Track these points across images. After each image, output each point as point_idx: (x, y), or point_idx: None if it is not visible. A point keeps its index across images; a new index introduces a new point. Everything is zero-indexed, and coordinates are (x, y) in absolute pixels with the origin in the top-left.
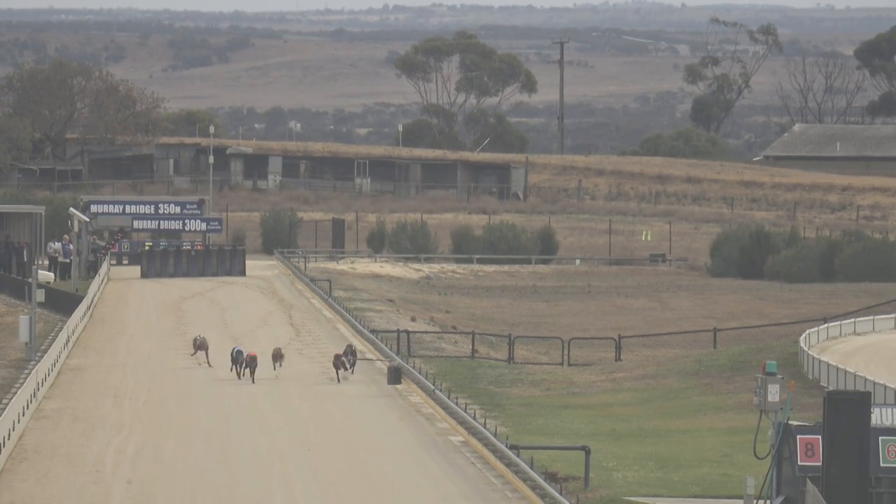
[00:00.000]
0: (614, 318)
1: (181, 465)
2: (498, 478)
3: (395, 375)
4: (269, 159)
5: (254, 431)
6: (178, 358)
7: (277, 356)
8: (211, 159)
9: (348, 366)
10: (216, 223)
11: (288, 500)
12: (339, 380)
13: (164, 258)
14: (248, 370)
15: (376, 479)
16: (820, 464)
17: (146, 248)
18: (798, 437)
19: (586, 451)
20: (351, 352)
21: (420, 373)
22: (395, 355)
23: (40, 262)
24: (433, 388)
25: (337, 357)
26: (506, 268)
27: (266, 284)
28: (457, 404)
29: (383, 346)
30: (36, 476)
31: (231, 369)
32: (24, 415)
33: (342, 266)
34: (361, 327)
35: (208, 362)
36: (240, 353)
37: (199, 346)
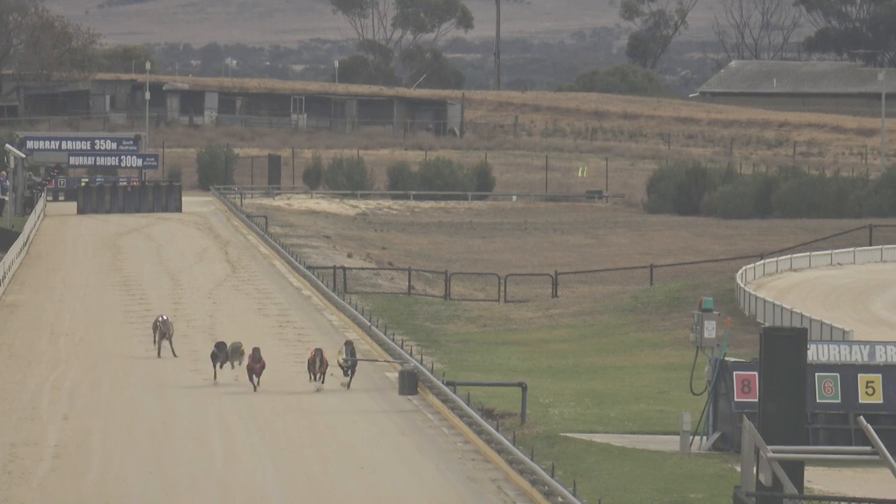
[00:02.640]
0: (551, 254)
1: (117, 401)
2: (434, 414)
3: (408, 382)
4: (205, 95)
5: (189, 366)
6: (114, 294)
7: (236, 352)
8: (147, 95)
9: (316, 374)
10: (152, 159)
11: (225, 433)
12: (314, 382)
13: (101, 194)
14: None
15: (310, 414)
16: (756, 400)
17: (82, 184)
18: (734, 373)
19: (523, 387)
20: (349, 351)
21: (356, 309)
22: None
23: None
24: (369, 324)
25: (311, 358)
26: (442, 204)
27: (202, 220)
28: (393, 341)
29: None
30: None
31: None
32: None
33: (278, 202)
34: (298, 263)
35: (173, 351)
36: (221, 347)
37: (162, 332)
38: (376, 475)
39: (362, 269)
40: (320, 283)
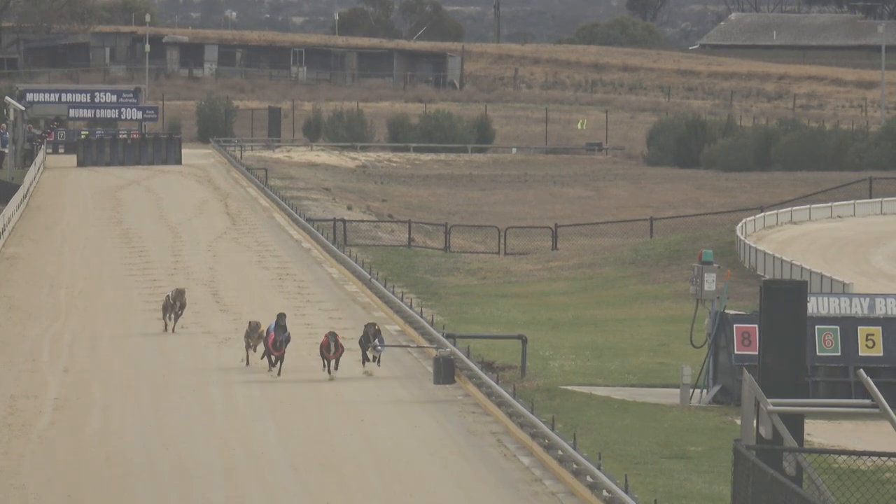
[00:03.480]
0: (550, 206)
1: (117, 354)
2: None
3: (445, 371)
4: (204, 48)
5: (191, 319)
6: (114, 246)
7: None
8: (147, 48)
9: (330, 362)
10: (152, 112)
11: (224, 388)
12: (329, 372)
13: (100, 147)
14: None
15: (314, 371)
16: (756, 353)
17: (82, 136)
18: (734, 326)
19: (523, 340)
20: (372, 333)
21: (356, 261)
22: (443, 336)
23: None
24: (369, 276)
25: (324, 343)
26: (442, 156)
27: (202, 173)
28: (393, 293)
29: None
30: None
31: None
32: None
33: (278, 155)
34: (297, 216)
35: (179, 324)
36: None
37: (173, 305)
38: (375, 428)
39: (362, 221)
40: (320, 235)
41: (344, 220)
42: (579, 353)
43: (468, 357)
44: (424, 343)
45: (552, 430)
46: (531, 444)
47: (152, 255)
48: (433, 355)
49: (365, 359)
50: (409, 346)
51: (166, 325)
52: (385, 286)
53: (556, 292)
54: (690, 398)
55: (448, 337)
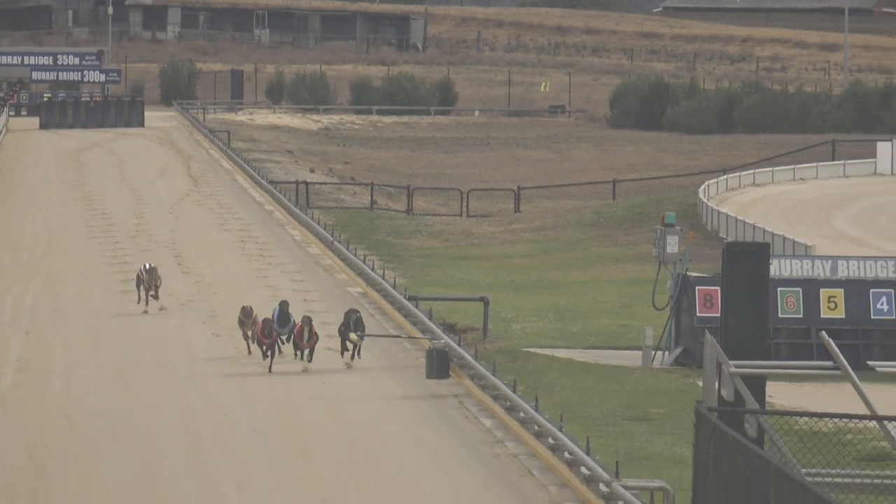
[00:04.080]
0: (513, 169)
1: (80, 317)
2: (397, 329)
3: (439, 364)
4: (167, 10)
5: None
6: (77, 209)
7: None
8: (110, 10)
9: (303, 351)
10: (115, 74)
11: (188, 354)
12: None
13: (63, 109)
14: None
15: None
16: (718, 315)
17: (45, 99)
18: (697, 288)
19: (485, 302)
20: (354, 321)
21: (318, 224)
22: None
23: None
24: (332, 239)
25: (297, 329)
26: (405, 119)
27: (165, 136)
28: (355, 255)
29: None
30: None
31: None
32: None
33: (241, 117)
34: (260, 178)
35: (157, 302)
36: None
37: (147, 283)
38: (338, 390)
39: (325, 183)
40: (283, 197)
41: (306, 183)
42: (541, 315)
43: (430, 319)
44: (417, 334)
45: (514, 392)
46: (493, 405)
47: (115, 217)
48: (426, 347)
49: (344, 349)
50: (399, 337)
51: (139, 298)
52: (347, 248)
53: (519, 254)
54: (652, 360)
55: (410, 299)
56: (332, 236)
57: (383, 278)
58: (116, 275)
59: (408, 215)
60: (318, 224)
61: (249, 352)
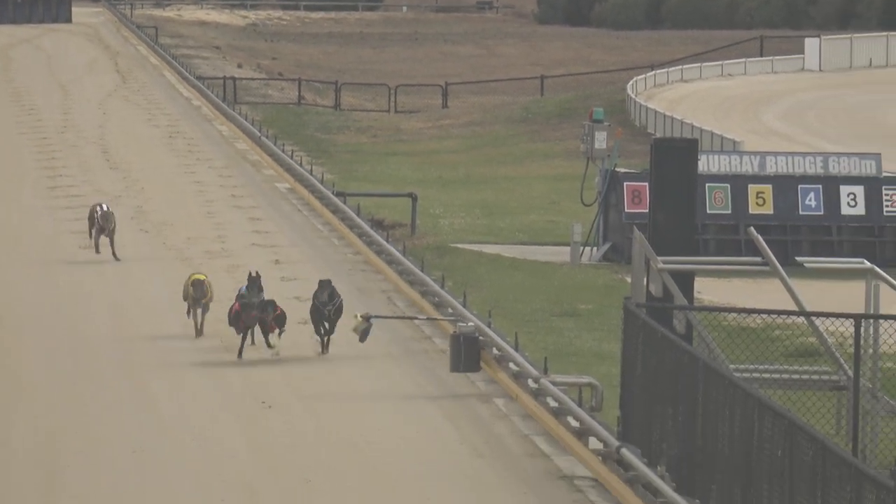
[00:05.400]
0: (441, 64)
1: (3, 208)
2: (325, 225)
3: (467, 356)
4: None
5: (80, 177)
6: (5, 105)
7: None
8: None
9: (267, 336)
10: None
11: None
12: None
13: None
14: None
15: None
16: (647, 211)
17: None
18: (625, 184)
19: (413, 197)
20: (327, 297)
21: (246, 119)
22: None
23: None
24: (259, 134)
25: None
26: (332, 14)
27: (92, 31)
28: (283, 151)
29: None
30: None
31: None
32: None
33: (168, 13)
34: (188, 74)
35: (114, 252)
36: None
37: (101, 227)
38: (326, 385)
39: (252, 79)
40: (210, 93)
41: (234, 78)
42: (469, 211)
43: (358, 215)
44: (435, 314)
45: (442, 288)
46: (421, 301)
47: (43, 113)
48: (450, 332)
49: (319, 332)
50: (415, 318)
51: (92, 238)
52: (275, 144)
53: (447, 150)
54: (581, 256)
55: (338, 195)
56: (259, 132)
57: (311, 174)
58: (45, 171)
59: (335, 111)
60: (246, 120)
61: (199, 333)
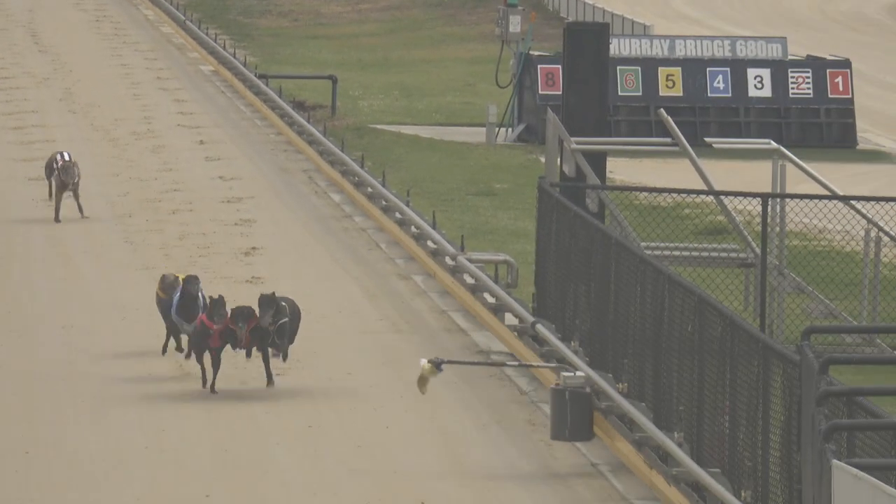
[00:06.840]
0: None
1: None
2: (247, 106)
3: (574, 418)
4: None
5: (10, 60)
6: None
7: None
8: None
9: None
10: None
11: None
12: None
13: None
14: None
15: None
16: (560, 93)
17: None
18: (539, 66)
19: (333, 80)
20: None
21: (171, 3)
22: (255, 77)
23: None
24: (184, 18)
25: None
26: None
27: None
28: (206, 35)
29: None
30: None
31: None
32: None
33: None
34: None
35: (80, 208)
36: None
37: (62, 182)
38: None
39: None
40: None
41: None
42: (388, 93)
43: (280, 97)
44: (532, 359)
45: (362, 167)
46: (341, 180)
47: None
48: (551, 385)
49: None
50: (504, 365)
51: (50, 193)
52: (199, 28)
53: (366, 34)
54: (496, 137)
55: (260, 77)
56: (184, 16)
57: (234, 57)
58: None
59: None
60: (171, 3)
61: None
